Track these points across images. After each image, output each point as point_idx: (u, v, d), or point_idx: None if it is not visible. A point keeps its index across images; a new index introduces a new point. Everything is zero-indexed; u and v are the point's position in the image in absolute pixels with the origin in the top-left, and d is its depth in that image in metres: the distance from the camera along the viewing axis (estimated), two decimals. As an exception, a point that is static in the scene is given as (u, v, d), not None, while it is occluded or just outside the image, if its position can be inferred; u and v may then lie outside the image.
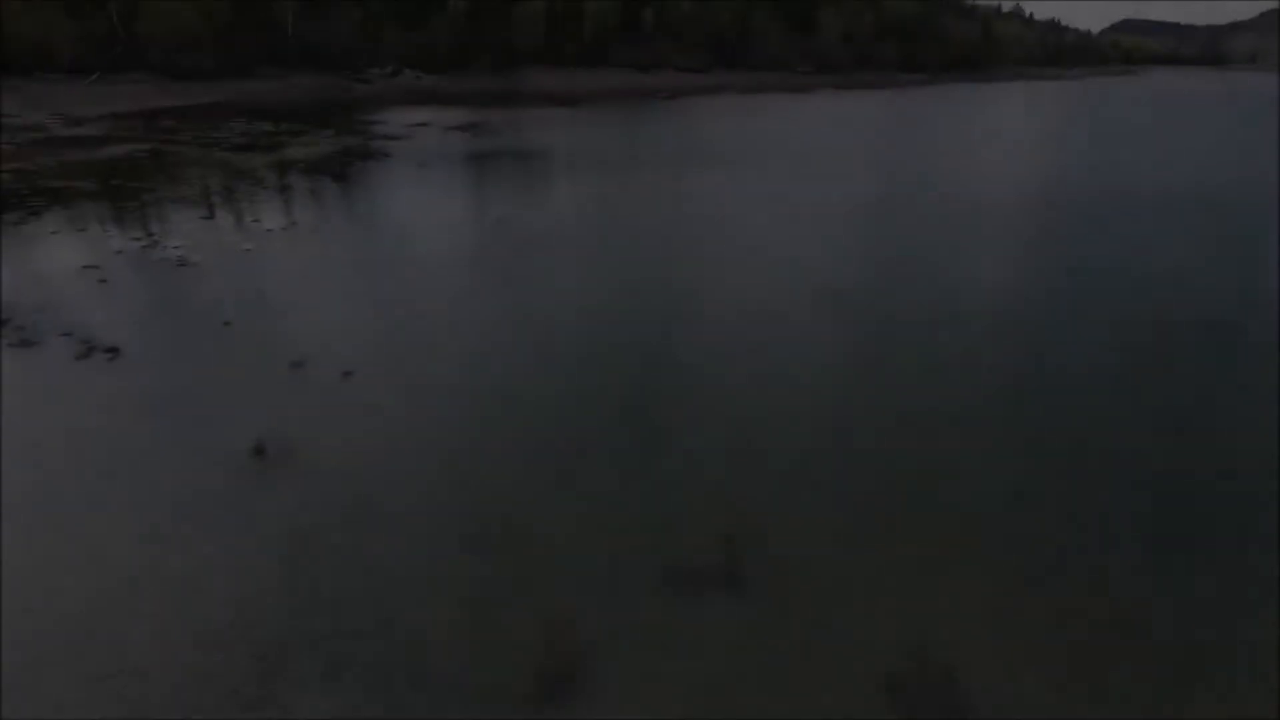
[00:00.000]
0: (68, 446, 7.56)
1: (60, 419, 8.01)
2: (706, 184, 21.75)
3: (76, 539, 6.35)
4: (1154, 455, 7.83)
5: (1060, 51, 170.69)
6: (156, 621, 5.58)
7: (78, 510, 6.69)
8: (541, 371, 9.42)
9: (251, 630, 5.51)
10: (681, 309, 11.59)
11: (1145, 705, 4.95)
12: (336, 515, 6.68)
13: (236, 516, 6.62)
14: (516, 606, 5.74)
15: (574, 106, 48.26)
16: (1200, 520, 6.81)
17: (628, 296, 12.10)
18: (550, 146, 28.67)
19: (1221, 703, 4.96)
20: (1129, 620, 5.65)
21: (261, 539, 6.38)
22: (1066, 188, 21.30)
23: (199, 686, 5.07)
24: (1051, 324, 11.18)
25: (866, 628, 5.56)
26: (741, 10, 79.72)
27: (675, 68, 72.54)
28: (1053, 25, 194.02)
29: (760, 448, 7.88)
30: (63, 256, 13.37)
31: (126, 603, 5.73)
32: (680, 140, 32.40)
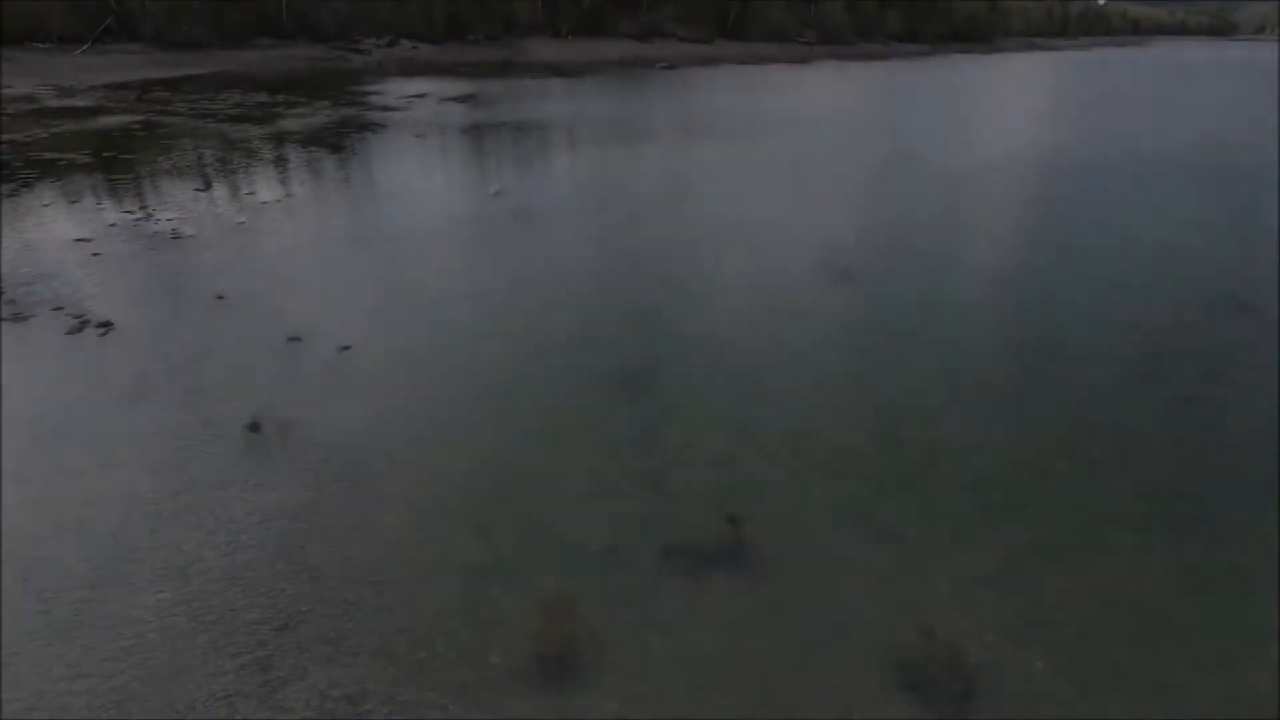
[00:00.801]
0: (59, 423, 7.44)
1: (51, 395, 7.89)
2: (708, 154, 21.45)
3: (67, 516, 6.26)
4: (1163, 428, 7.72)
5: (1067, 21, 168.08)
6: (152, 596, 5.50)
7: (70, 489, 6.59)
8: (542, 344, 9.28)
9: (244, 610, 5.43)
10: (684, 280, 11.42)
11: (1155, 683, 4.88)
12: (333, 492, 6.59)
13: (231, 494, 6.53)
14: (515, 585, 5.67)
15: (573, 77, 47.57)
16: (1211, 495, 6.71)
17: (629, 268, 11.93)
18: (549, 117, 28.27)
19: (1230, 682, 4.90)
20: (1139, 597, 5.58)
21: (257, 516, 6.29)
22: (1071, 154, 20.97)
23: (194, 664, 5.01)
24: (1057, 293, 11.01)
25: (872, 605, 5.49)
26: (742, -21, 78.38)
27: (676, 38, 71.45)
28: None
29: (764, 422, 7.76)
30: (54, 229, 13.17)
31: (121, 581, 5.65)
32: (681, 110, 31.95)
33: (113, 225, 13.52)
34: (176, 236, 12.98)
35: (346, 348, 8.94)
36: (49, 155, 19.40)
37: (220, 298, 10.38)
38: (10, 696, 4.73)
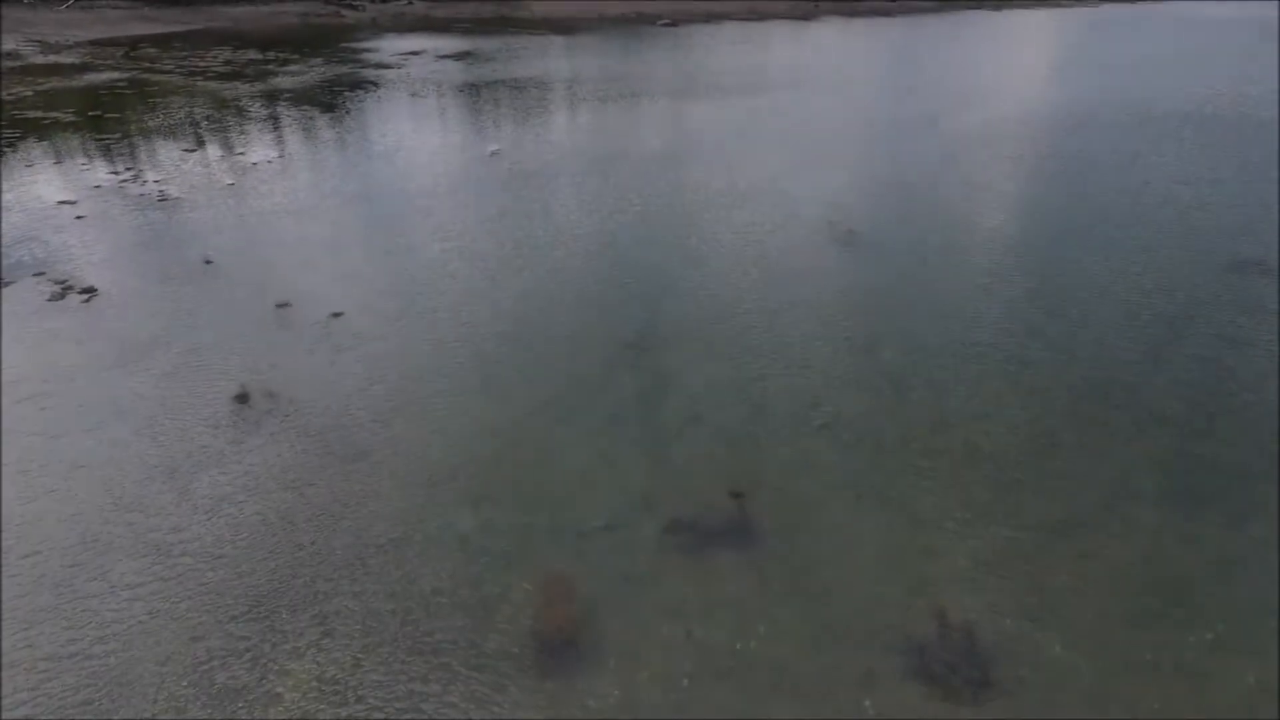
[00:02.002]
0: (40, 394, 7.20)
1: (32, 364, 7.64)
2: (710, 113, 20.89)
3: (53, 492, 6.06)
4: (1181, 396, 7.47)
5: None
6: (136, 573, 5.31)
7: (53, 464, 6.37)
8: (541, 310, 9.00)
9: (231, 588, 5.24)
10: (685, 243, 11.09)
11: (1176, 666, 4.71)
12: (323, 465, 6.37)
13: (218, 467, 6.31)
14: (513, 563, 5.48)
15: (571, 34, 46.43)
16: (1233, 468, 6.47)
17: (629, 230, 11.59)
18: (547, 75, 27.57)
19: (1255, 665, 4.72)
20: (1158, 576, 5.38)
21: (245, 490, 6.08)
22: (1083, 111, 20.41)
23: (180, 643, 4.83)
24: (1069, 256, 10.68)
25: (883, 584, 5.29)
26: (747, -70, 76.08)
27: (677, -7, 69.67)
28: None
29: (769, 390, 7.52)
30: (38, 191, 12.81)
31: (105, 557, 5.46)
32: (682, 68, 31.16)
33: (98, 187, 13.14)
34: (164, 199, 12.61)
35: (338, 314, 8.66)
36: (33, 114, 18.88)
37: (208, 262, 10.08)
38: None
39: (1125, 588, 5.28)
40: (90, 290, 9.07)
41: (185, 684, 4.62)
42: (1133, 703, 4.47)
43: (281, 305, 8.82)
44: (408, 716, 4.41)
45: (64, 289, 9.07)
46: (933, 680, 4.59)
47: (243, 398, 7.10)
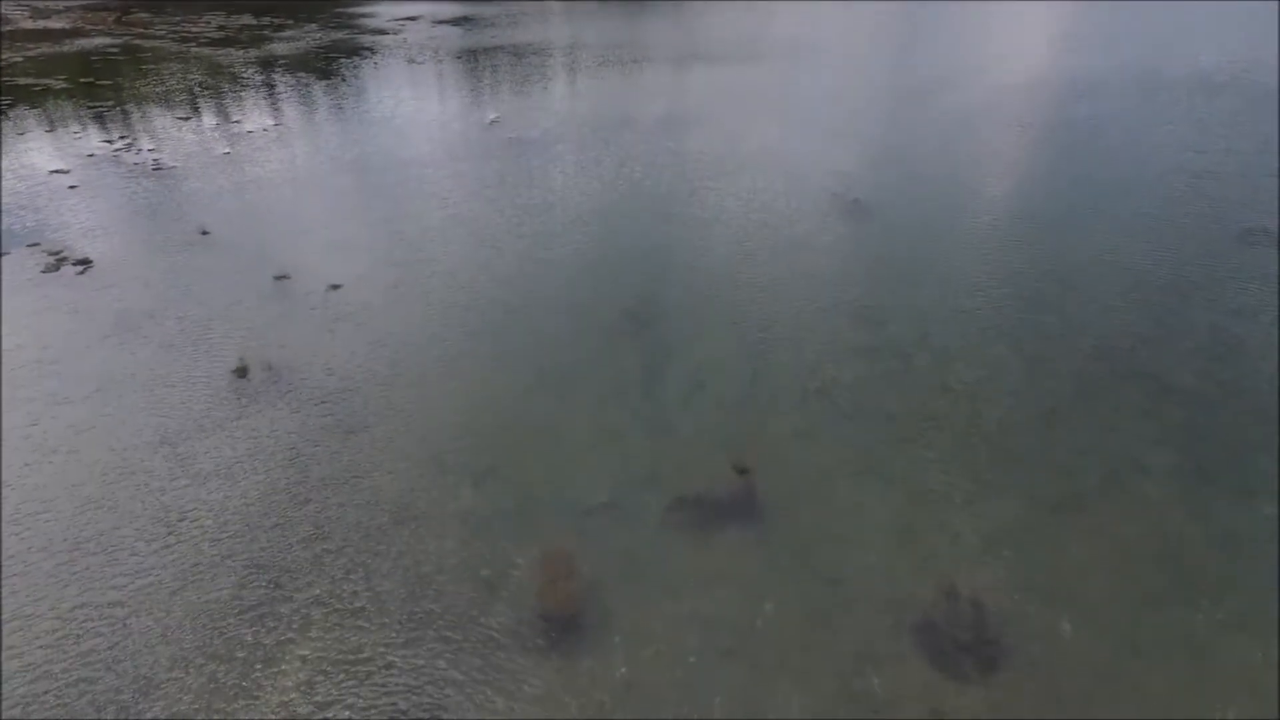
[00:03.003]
0: (37, 368, 7.11)
1: (29, 337, 7.54)
2: (713, 81, 20.52)
3: (55, 466, 6.00)
4: (1191, 369, 7.38)
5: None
6: (141, 551, 5.27)
7: (52, 439, 6.31)
8: (541, 282, 8.87)
9: (235, 565, 5.20)
10: (687, 213, 10.92)
11: (1185, 644, 4.68)
12: (324, 440, 6.30)
13: (218, 443, 6.25)
14: (516, 540, 5.43)
15: (572, 0, 45.52)
16: (1243, 442, 6.40)
17: (630, 200, 11.40)
18: (547, 42, 27.05)
19: (1265, 643, 4.69)
20: (1167, 552, 5.33)
21: (246, 465, 6.02)
22: (1093, 79, 20.05)
23: (185, 620, 4.81)
24: (1079, 226, 10.51)
25: (890, 560, 5.24)
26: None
27: (679, -43, 68.20)
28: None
29: (773, 363, 7.43)
30: (30, 159, 12.59)
31: (110, 536, 5.41)
32: (685, 36, 30.59)
33: (91, 155, 12.91)
34: (158, 168, 12.40)
35: (337, 286, 8.54)
36: (24, 81, 18.54)
37: (204, 233, 9.92)
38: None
39: (1133, 564, 5.24)
40: (85, 261, 8.93)
41: (189, 650, 4.60)
42: (1140, 680, 4.45)
43: (280, 277, 8.70)
44: (414, 708, 4.39)
45: (59, 260, 8.93)
46: (941, 658, 4.56)
47: (242, 371, 7.02)
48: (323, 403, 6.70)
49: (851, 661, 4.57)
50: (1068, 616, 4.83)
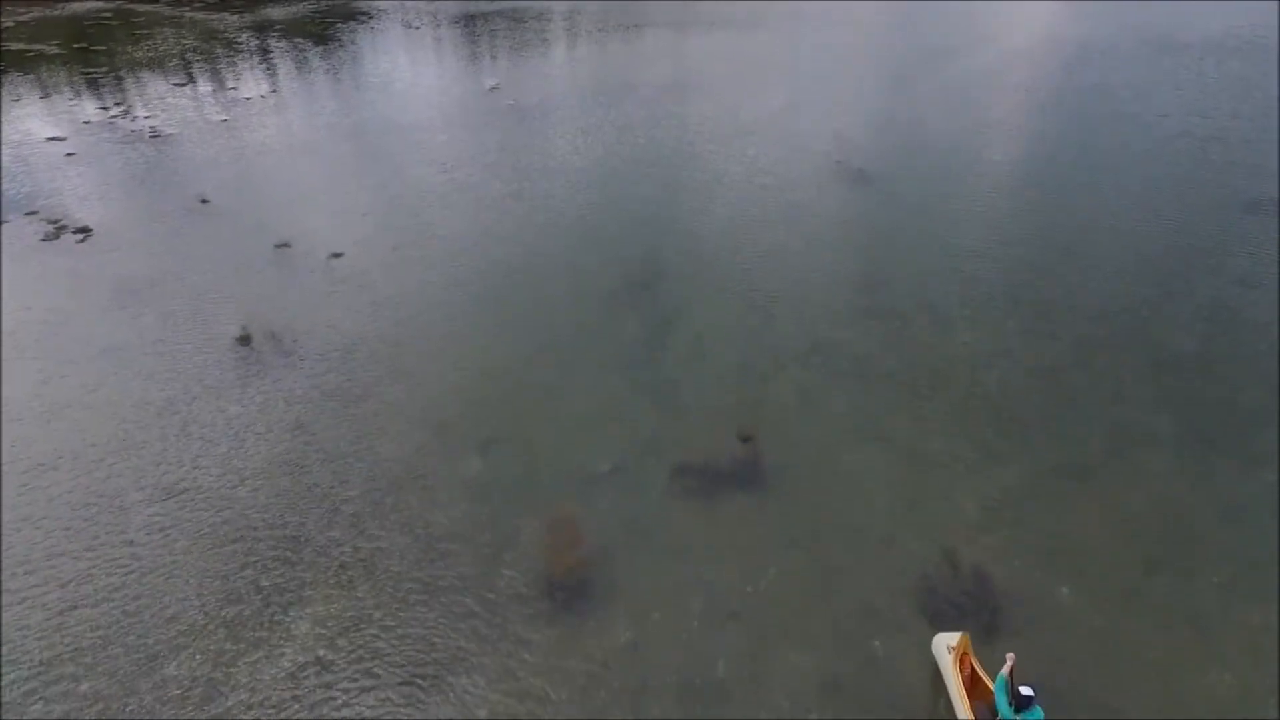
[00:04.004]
0: (39, 336, 7.10)
1: (27, 308, 7.52)
2: (716, 45, 20.20)
3: (61, 434, 6.02)
4: (1194, 338, 7.36)
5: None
6: (149, 516, 5.31)
7: (55, 407, 6.32)
8: (543, 248, 8.83)
9: (241, 530, 5.24)
10: (690, 180, 10.82)
11: (1185, 612, 4.73)
12: (329, 407, 6.31)
13: (222, 410, 6.26)
14: (522, 506, 5.45)
15: (571, -39, 44.60)
16: (1247, 412, 6.40)
17: (632, 166, 11.29)
18: (547, 8, 26.58)
19: (1264, 611, 4.73)
20: (1169, 521, 5.36)
21: (251, 432, 6.03)
22: (1101, 44, 19.72)
23: (191, 584, 4.86)
24: (1083, 192, 10.40)
25: (892, 527, 5.27)
26: None
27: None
28: None
29: (776, 331, 7.41)
30: (25, 127, 12.45)
31: (119, 502, 5.45)
32: (685, 4, 30.04)
33: (87, 123, 12.76)
34: (155, 135, 12.27)
35: (338, 254, 8.50)
36: (16, 46, 18.27)
37: (204, 201, 9.85)
38: (10, 619, 4.60)
39: (1133, 531, 5.27)
40: (85, 229, 8.88)
41: (198, 616, 4.65)
42: (1139, 646, 4.50)
43: (281, 245, 8.66)
44: (421, 667, 4.45)
45: (58, 228, 8.88)
46: (942, 622, 4.61)
47: (245, 339, 7.02)
48: (326, 370, 6.70)
49: (854, 624, 4.64)
50: (1067, 582, 4.88)
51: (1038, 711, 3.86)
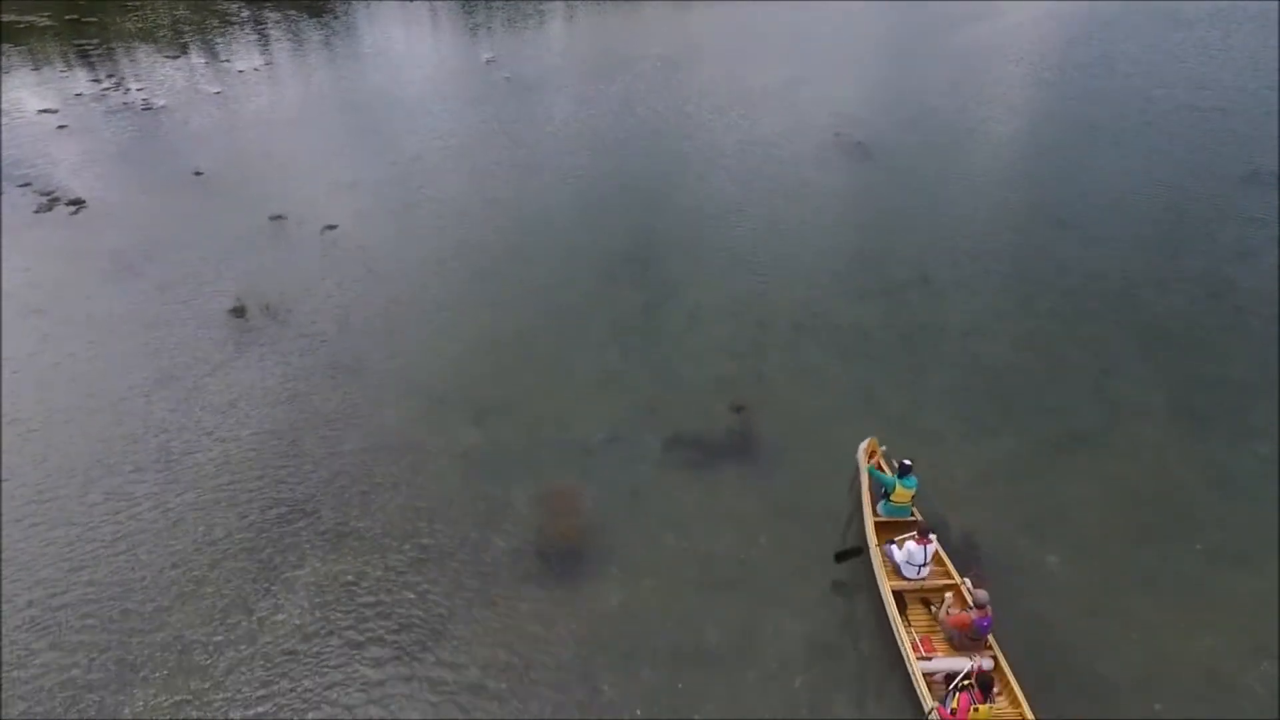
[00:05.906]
0: (35, 308, 7.10)
1: (22, 279, 7.50)
2: (716, 17, 19.96)
3: (62, 405, 6.04)
4: (1190, 311, 7.33)
5: None
6: (148, 486, 5.35)
7: (53, 378, 6.33)
8: (538, 222, 8.78)
9: (238, 498, 5.28)
10: (687, 154, 10.74)
11: (1174, 580, 4.77)
12: (323, 379, 6.31)
13: (218, 380, 6.27)
14: (516, 476, 5.47)
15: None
16: (1240, 385, 6.39)
17: (629, 140, 11.20)
18: (544, -23, 26.18)
19: (1251, 580, 4.76)
20: (1161, 492, 5.37)
21: (247, 403, 6.05)
22: (1101, 14, 19.50)
23: (191, 549, 4.90)
24: (1080, 165, 10.30)
25: (884, 497, 5.32)
26: None
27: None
28: None
29: (771, 303, 7.39)
30: (16, 98, 12.33)
31: (117, 471, 5.48)
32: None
33: (79, 95, 12.64)
34: (149, 107, 12.16)
35: (332, 226, 8.47)
36: (7, 18, 18.03)
37: (198, 173, 9.79)
38: (11, 591, 4.64)
39: (1124, 502, 5.30)
40: (78, 202, 8.84)
41: (194, 585, 4.70)
42: (1128, 613, 4.55)
43: (275, 218, 8.62)
44: (416, 630, 4.50)
45: (51, 201, 8.83)
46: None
47: (240, 310, 7.01)
48: (321, 341, 6.70)
49: (844, 593, 4.69)
50: (1057, 549, 4.92)
51: (912, 480, 4.83)
